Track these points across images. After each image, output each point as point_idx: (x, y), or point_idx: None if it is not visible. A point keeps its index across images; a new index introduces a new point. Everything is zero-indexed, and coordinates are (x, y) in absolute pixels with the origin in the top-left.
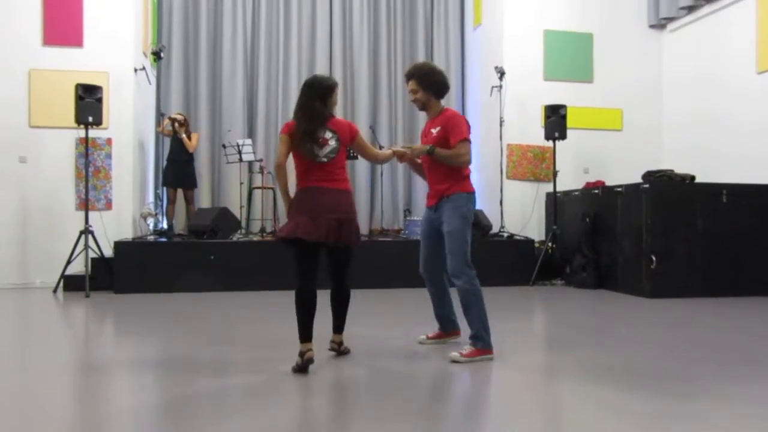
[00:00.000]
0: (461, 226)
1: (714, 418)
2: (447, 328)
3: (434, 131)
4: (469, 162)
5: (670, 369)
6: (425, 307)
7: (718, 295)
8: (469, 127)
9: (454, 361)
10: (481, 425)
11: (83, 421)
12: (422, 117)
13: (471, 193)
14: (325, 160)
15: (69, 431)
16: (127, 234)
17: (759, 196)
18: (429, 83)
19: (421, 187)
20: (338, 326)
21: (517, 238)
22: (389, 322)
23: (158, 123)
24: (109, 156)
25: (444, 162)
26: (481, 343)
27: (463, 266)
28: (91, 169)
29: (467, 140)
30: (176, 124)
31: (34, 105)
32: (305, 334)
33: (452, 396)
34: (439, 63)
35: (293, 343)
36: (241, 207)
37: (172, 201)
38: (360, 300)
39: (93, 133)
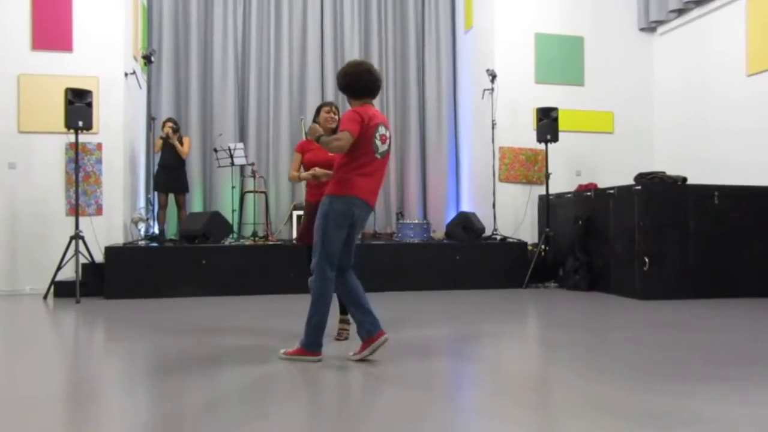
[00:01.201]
0: (321, 222)
1: (709, 418)
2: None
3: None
4: (338, 148)
5: (665, 370)
6: (416, 311)
7: (710, 296)
8: (357, 120)
9: (281, 357)
10: (477, 426)
11: (73, 429)
12: (413, 121)
13: (339, 196)
14: None
15: None
16: (117, 239)
17: (751, 198)
18: (340, 86)
19: (414, 190)
20: None
21: (510, 240)
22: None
23: (149, 127)
24: (99, 161)
25: (324, 148)
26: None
27: (318, 263)
28: (81, 175)
29: (346, 130)
30: (170, 131)
31: (24, 110)
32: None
33: (444, 396)
34: (430, 67)
35: (285, 347)
36: (233, 211)
37: (163, 206)
38: None
39: (83, 138)
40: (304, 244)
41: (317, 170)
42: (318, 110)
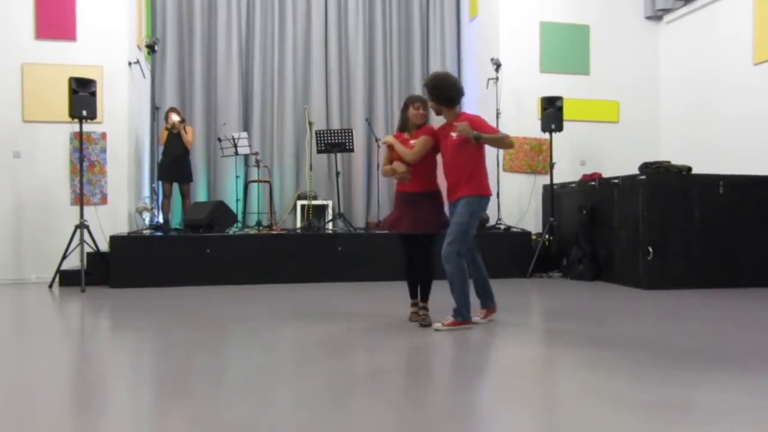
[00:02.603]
0: (468, 219)
1: (712, 407)
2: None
3: (454, 135)
4: (512, 144)
5: (668, 359)
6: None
7: (714, 286)
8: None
9: (437, 330)
10: (479, 416)
11: (78, 418)
12: None
13: (486, 196)
14: None
15: (64, 428)
16: (122, 229)
17: (756, 187)
18: (437, 96)
19: None
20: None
21: (514, 230)
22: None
23: (153, 117)
24: (103, 150)
25: (492, 145)
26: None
27: (456, 249)
28: (85, 164)
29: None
30: (176, 122)
31: (28, 100)
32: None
33: (450, 387)
34: (434, 55)
35: (291, 338)
36: (237, 200)
37: (167, 195)
38: (358, 292)
39: (87, 127)
40: (397, 232)
41: (397, 165)
42: (407, 105)
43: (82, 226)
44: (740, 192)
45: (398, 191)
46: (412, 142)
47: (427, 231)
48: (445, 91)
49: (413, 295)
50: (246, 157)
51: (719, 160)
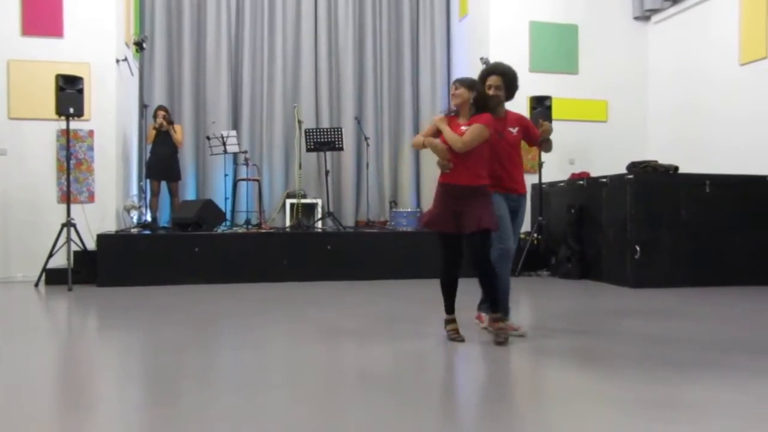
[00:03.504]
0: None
1: (699, 404)
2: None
3: (513, 130)
4: None
5: (655, 357)
6: (410, 300)
7: (701, 284)
8: None
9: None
10: (469, 416)
11: (66, 417)
12: (407, 109)
13: None
14: None
15: (51, 427)
16: (110, 227)
17: (742, 187)
18: (513, 87)
19: (408, 178)
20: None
21: None
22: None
23: (141, 115)
24: (91, 148)
25: (547, 147)
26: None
27: None
28: (72, 162)
29: None
30: (164, 122)
31: (14, 96)
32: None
33: (439, 387)
34: (425, 54)
35: (281, 336)
36: (225, 199)
37: (155, 193)
38: (348, 290)
39: (74, 124)
40: (470, 233)
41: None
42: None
43: (69, 224)
44: (726, 191)
45: (440, 182)
46: (463, 128)
47: (474, 229)
48: (516, 84)
49: (451, 309)
50: (235, 155)
51: (707, 158)
